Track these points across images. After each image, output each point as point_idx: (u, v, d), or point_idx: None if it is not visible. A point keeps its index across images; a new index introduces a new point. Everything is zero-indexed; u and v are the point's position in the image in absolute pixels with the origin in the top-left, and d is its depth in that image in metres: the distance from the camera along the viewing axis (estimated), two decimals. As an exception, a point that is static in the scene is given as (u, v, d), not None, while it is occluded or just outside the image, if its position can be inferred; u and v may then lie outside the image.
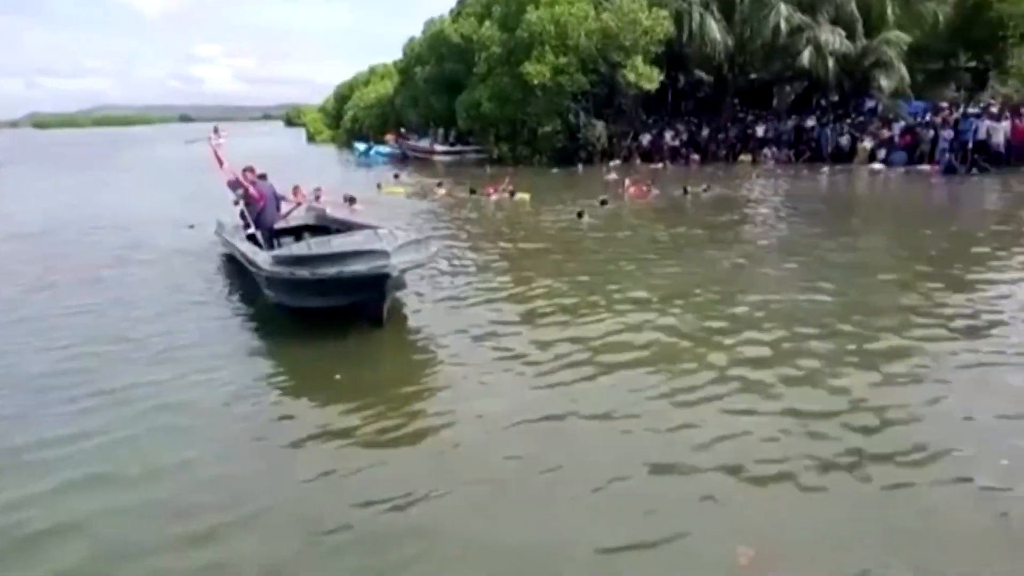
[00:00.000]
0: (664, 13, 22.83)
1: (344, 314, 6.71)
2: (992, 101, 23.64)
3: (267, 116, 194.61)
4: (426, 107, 32.14)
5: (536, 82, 23.33)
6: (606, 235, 11.88)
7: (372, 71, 49.25)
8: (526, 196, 16.29)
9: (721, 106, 26.57)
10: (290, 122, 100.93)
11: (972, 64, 24.69)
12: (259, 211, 9.27)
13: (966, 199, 15.77)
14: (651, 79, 23.32)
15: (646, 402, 5.08)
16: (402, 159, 31.63)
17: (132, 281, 9.39)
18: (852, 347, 6.02)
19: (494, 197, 16.58)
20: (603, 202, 14.10)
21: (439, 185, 18.95)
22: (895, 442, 4.40)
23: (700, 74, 28.00)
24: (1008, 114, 21.09)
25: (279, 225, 9.81)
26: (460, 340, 6.53)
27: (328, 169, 29.43)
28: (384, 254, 6.30)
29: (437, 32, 30.18)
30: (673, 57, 25.53)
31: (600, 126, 25.44)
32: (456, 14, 30.25)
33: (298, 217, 10.33)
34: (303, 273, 6.47)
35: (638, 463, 4.26)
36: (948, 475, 4.06)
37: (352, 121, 44.91)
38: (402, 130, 35.41)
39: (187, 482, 4.24)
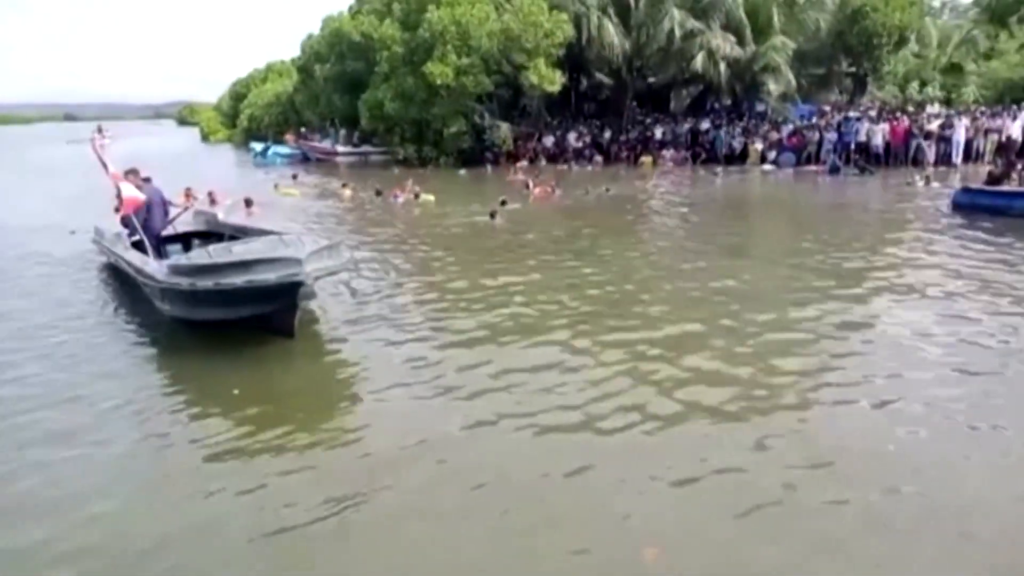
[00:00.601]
0: (564, 16, 23.07)
1: (248, 327, 6.34)
2: (871, 105, 25.25)
3: (159, 115, 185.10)
4: (327, 106, 31.31)
5: (440, 83, 23.13)
6: (516, 237, 11.88)
7: (270, 68, 47.72)
8: (431, 197, 16.15)
9: (622, 109, 27.14)
10: (183, 121, 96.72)
11: (852, 70, 26.19)
12: (145, 217, 8.67)
13: (850, 197, 16.67)
14: (553, 81, 23.54)
15: (558, 407, 5.03)
16: (303, 160, 30.72)
17: (6, 292, 8.68)
18: (747, 344, 6.19)
19: (401, 199, 16.33)
20: (503, 203, 14.11)
21: (344, 186, 18.57)
22: (795, 444, 4.51)
23: (601, 77, 28.50)
24: (886, 116, 22.59)
25: (166, 232, 9.23)
26: (370, 351, 6.28)
27: (224, 170, 28.28)
28: (296, 261, 5.93)
29: (336, 29, 29.40)
30: (574, 60, 25.90)
31: (505, 127, 25.51)
32: (355, 11, 29.60)
33: (186, 222, 9.65)
34: (206, 284, 6.02)
35: (548, 469, 4.21)
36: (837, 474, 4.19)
37: (249, 120, 43.30)
38: (303, 130, 34.40)
39: (69, 521, 3.85)
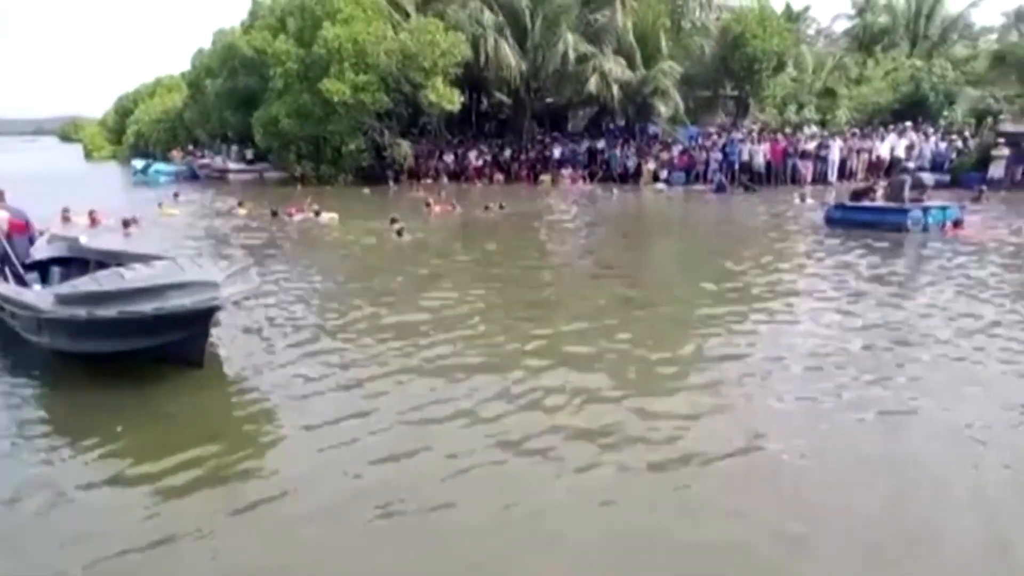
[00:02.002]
0: (461, 36, 23.26)
1: (145, 358, 5.90)
2: (753, 127, 26.64)
3: (40, 130, 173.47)
4: (219, 122, 30.33)
5: (337, 99, 22.85)
6: (422, 257, 11.79)
7: (158, 82, 45.87)
8: (334, 216, 15.75)
9: (521, 128, 27.57)
10: (66, 137, 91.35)
11: (735, 93, 27.60)
12: (10, 242, 7.97)
13: (734, 214, 17.58)
14: (452, 100, 23.66)
15: (476, 435, 4.88)
16: (191, 178, 29.53)
17: None
18: (648, 356, 6.36)
19: (298, 217, 15.89)
20: (393, 221, 14.09)
21: (241, 204, 17.89)
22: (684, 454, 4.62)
23: (500, 97, 28.90)
24: (766, 137, 23.90)
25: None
26: (272, 380, 5.92)
27: (107, 189, 26.77)
28: (212, 285, 5.65)
29: (228, 44, 28.65)
30: (473, 79, 26.13)
31: (406, 145, 25.45)
32: (248, 26, 28.91)
33: (41, 249, 8.60)
34: (107, 313, 5.51)
35: (465, 497, 4.14)
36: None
37: (136, 136, 41.39)
38: (190, 146, 33.13)
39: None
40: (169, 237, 13.62)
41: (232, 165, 29.20)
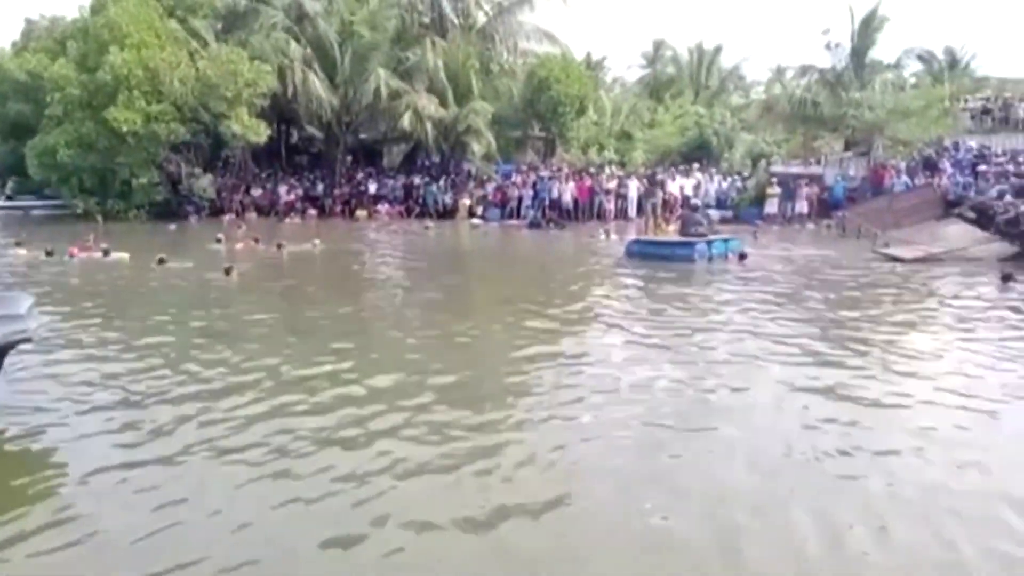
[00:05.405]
0: (266, 67, 22.40)
1: None
2: (560, 165, 28.02)
3: None
4: (-17, 153, 26.83)
5: (126, 129, 21.04)
6: (231, 298, 10.94)
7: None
8: (125, 256, 14.24)
9: (334, 162, 27.04)
10: None
11: (543, 134, 28.94)
12: None
13: (545, 248, 18.33)
14: (258, 132, 22.67)
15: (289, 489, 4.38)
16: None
17: None
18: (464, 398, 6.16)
19: (82, 257, 14.18)
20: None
21: (18, 244, 15.68)
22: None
23: (312, 130, 28.21)
24: (572, 176, 25.22)
25: None
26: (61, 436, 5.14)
27: None
28: (17, 317, 5.22)
29: (-6, 66, 25.57)
30: (282, 111, 25.37)
31: (207, 179, 24.00)
32: (20, 48, 26.03)
33: None
34: None
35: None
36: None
37: None
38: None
39: None
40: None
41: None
